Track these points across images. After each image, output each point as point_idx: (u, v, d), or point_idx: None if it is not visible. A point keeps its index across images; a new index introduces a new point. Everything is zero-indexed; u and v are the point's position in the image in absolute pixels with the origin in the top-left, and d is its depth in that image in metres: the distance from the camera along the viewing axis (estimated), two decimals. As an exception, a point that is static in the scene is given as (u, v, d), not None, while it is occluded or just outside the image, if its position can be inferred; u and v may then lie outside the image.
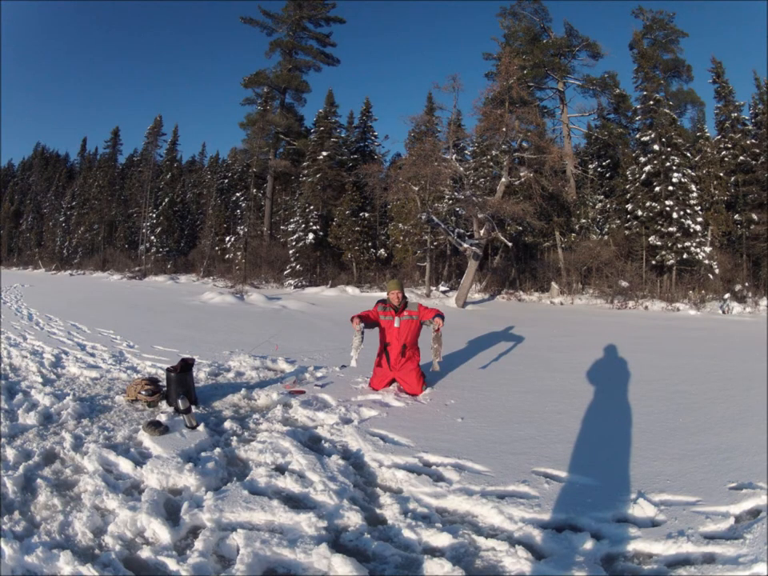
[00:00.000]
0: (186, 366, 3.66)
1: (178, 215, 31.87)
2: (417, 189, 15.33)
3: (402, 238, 19.17)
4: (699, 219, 15.97)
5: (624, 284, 15.08)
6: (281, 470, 2.53)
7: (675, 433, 3.19)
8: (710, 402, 3.93)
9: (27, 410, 3.26)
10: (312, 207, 21.92)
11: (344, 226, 20.77)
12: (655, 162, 16.48)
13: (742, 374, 5.03)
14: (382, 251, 21.42)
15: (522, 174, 14.64)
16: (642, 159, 17.01)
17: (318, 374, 4.68)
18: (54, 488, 2.26)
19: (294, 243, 21.70)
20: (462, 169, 15.20)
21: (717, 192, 17.17)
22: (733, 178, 17.40)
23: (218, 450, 2.74)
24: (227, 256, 25.16)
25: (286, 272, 21.40)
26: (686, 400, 4.00)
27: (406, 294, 4.50)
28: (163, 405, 3.52)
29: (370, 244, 21.34)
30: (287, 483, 2.37)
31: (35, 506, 2.13)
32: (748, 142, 17.42)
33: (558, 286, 16.77)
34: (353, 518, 2.07)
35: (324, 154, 21.81)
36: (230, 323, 8.51)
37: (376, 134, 24.88)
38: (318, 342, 6.66)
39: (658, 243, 16.10)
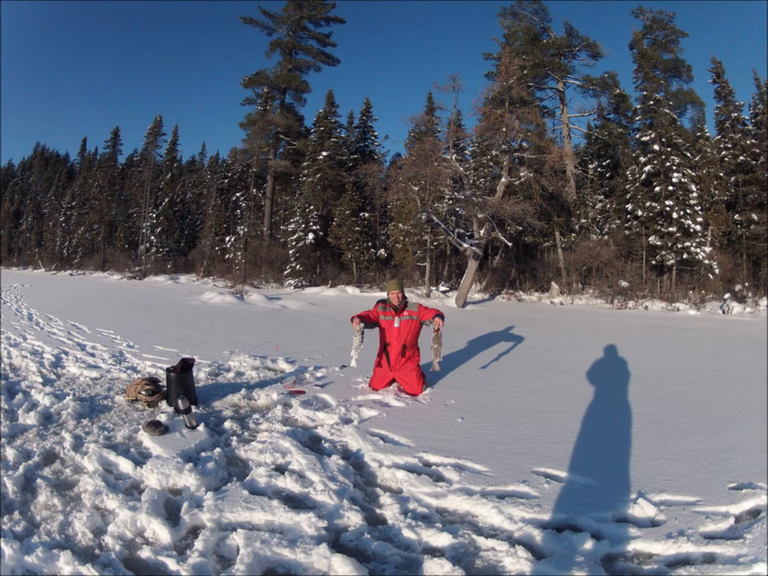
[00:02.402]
0: (186, 365, 3.65)
1: (178, 215, 31.90)
2: (417, 189, 15.34)
3: (402, 237, 19.17)
4: (699, 219, 15.99)
5: (624, 284, 15.08)
6: (281, 469, 2.52)
7: (675, 433, 3.19)
8: (709, 402, 3.92)
9: (27, 410, 3.26)
10: (312, 207, 21.92)
11: (344, 225, 20.78)
12: (655, 162, 16.49)
13: (742, 374, 5.02)
14: (382, 251, 21.43)
15: (521, 174, 14.65)
16: (642, 159, 17.01)
17: (318, 374, 4.68)
18: (54, 488, 2.25)
19: (294, 243, 21.71)
20: (461, 169, 15.20)
21: (717, 192, 17.18)
22: (733, 178, 17.41)
23: (218, 449, 2.74)
24: (227, 256, 25.18)
25: (286, 272, 21.41)
26: (685, 400, 4.00)
27: (406, 294, 4.50)
28: (163, 405, 3.52)
29: (369, 244, 21.35)
30: (287, 483, 2.36)
31: (35, 505, 2.13)
32: (748, 141, 17.43)
33: (558, 286, 16.77)
34: (353, 518, 2.07)
35: (324, 153, 21.82)
36: (229, 323, 8.51)
37: (376, 134, 24.97)
38: (318, 341, 6.66)
39: (658, 243, 16.11)
